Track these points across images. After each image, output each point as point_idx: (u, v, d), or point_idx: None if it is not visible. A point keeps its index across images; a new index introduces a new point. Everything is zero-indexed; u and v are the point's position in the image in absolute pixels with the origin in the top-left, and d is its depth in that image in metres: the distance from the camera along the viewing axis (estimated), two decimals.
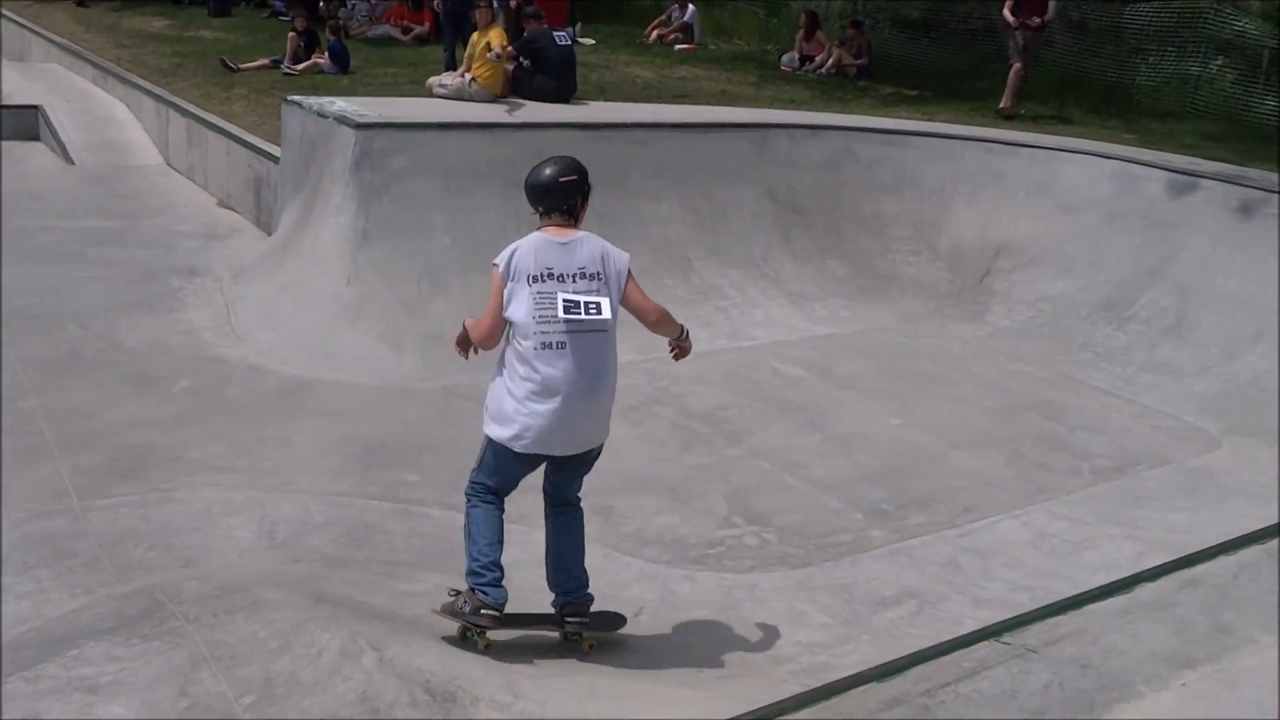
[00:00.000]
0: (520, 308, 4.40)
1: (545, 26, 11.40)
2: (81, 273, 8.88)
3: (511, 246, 4.51)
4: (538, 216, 4.57)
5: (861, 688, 2.88)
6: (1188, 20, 14.41)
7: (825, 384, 7.99)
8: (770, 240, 10.14)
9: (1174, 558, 4.86)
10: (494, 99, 10.56)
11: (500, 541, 4.53)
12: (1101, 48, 14.95)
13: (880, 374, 8.25)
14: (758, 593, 5.28)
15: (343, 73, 13.88)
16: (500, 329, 4.52)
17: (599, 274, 4.42)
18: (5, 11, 20.12)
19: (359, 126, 8.72)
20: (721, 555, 5.63)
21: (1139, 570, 4.69)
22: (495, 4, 13.23)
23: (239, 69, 14.14)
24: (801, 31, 16.77)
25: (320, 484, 5.92)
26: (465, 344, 4.72)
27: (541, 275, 4.39)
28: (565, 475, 4.60)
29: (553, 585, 4.64)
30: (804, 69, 16.23)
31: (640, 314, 4.61)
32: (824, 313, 9.49)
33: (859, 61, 16.09)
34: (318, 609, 4.45)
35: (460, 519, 4.74)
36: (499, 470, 4.57)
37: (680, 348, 4.81)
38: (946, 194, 10.91)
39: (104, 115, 14.02)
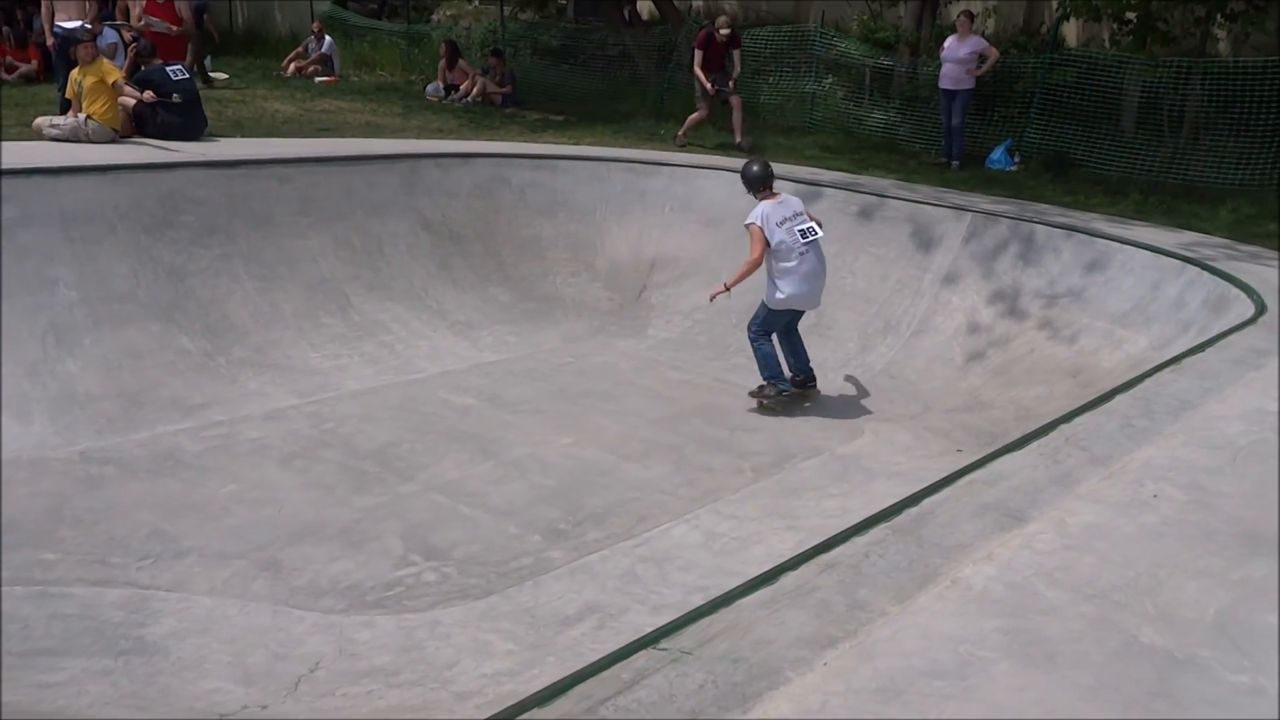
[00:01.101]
0: (780, 239, 7.86)
1: (160, 62, 10.75)
2: None
3: (757, 211, 7.92)
4: (753, 195, 8.11)
5: (526, 714, 2.85)
6: (799, 43, 15.61)
7: (496, 410, 7.98)
8: (430, 271, 10.04)
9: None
10: (114, 138, 9.84)
11: (779, 357, 8.24)
12: None
13: (550, 395, 8.35)
14: (440, 629, 5.17)
15: None
16: (763, 259, 7.90)
17: (801, 213, 8.04)
18: None
19: None
20: (401, 595, 5.47)
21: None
22: (110, 39, 12.41)
23: None
24: (443, 61, 16.80)
25: None
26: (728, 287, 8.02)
27: (782, 221, 7.90)
28: (798, 318, 8.35)
29: (793, 369, 8.33)
30: (450, 98, 16.26)
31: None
32: (490, 339, 9.50)
33: (503, 89, 16.32)
34: None
35: (108, 593, 4.35)
36: (775, 323, 8.20)
37: None
38: (599, 214, 11.24)
39: None
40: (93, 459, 6.65)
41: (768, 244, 7.82)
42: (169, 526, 5.90)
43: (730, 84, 13.38)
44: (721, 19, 13.73)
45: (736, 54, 13.53)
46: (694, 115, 13.62)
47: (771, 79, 15.62)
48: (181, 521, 5.97)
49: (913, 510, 4.19)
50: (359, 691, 4.62)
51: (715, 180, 11.14)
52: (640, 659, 3.08)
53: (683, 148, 13.27)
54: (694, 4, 18.65)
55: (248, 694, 4.55)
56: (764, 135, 14.25)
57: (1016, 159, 12.91)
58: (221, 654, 4.83)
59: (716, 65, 13.30)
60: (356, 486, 6.61)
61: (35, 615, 5.00)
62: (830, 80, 15.24)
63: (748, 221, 7.94)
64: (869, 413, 8.31)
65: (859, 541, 3.88)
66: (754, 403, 8.28)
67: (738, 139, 13.39)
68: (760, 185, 8.06)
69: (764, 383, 8.20)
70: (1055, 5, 13.58)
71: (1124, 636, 3.41)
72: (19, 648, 4.75)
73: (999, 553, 3.88)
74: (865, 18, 15.78)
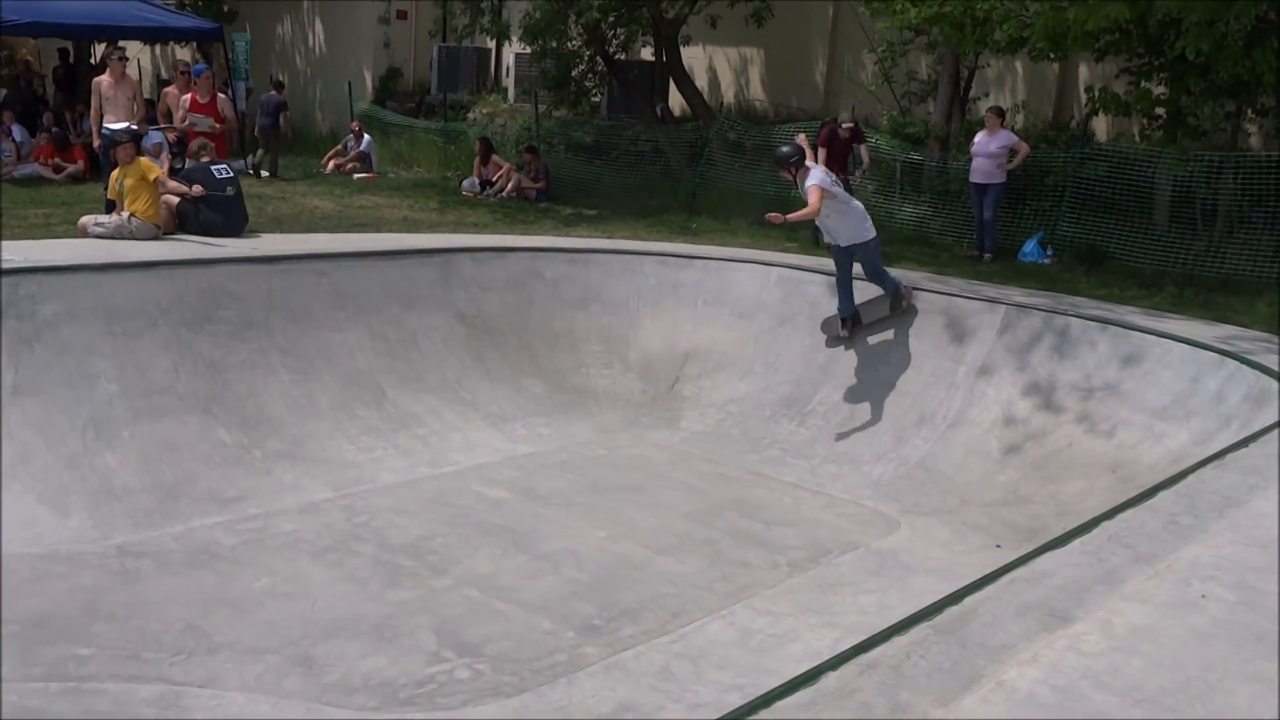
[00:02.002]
0: (838, 192, 9.51)
1: (205, 160, 11.02)
2: None
3: (818, 173, 9.37)
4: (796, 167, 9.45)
5: None
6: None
7: (530, 503, 7.96)
8: (464, 363, 10.11)
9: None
10: (157, 235, 10.06)
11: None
12: (758, 164, 16.12)
13: (583, 488, 8.32)
14: None
15: None
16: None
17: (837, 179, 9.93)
18: None
19: (1, 272, 8.03)
20: (433, 693, 5.41)
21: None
22: (154, 139, 12.75)
23: None
24: (478, 157, 17.12)
25: None
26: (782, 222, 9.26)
27: (834, 179, 9.66)
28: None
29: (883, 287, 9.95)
30: (485, 193, 16.54)
31: None
32: (524, 431, 9.52)
33: (537, 184, 16.59)
34: None
35: (141, 689, 4.32)
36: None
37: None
38: (632, 307, 11.31)
39: None
40: (129, 552, 6.67)
41: (833, 196, 9.29)
42: (202, 622, 5.89)
43: (853, 176, 13.10)
44: (843, 115, 13.64)
45: (863, 149, 13.38)
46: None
47: None
48: (215, 616, 5.96)
49: (954, 609, 4.12)
50: None
51: (748, 273, 11.22)
52: None
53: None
54: (724, 100, 18.98)
55: None
56: (796, 229, 14.34)
57: (1049, 252, 12.92)
58: None
59: (840, 162, 12.98)
60: (390, 581, 6.59)
61: (68, 711, 4.98)
62: (861, 173, 15.37)
63: (810, 183, 9.16)
64: (905, 506, 8.22)
65: (899, 641, 3.80)
66: (789, 496, 8.22)
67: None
68: (795, 160, 9.41)
69: (897, 291, 9.93)
70: (1085, 101, 13.71)
71: None
72: None
73: (1044, 654, 3.80)
74: (895, 113, 15.98)
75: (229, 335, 8.89)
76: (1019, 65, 16.36)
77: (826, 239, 9.95)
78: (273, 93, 18.64)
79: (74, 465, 7.44)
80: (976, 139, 12.89)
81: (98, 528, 6.96)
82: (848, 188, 12.94)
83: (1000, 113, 13.02)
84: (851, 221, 9.56)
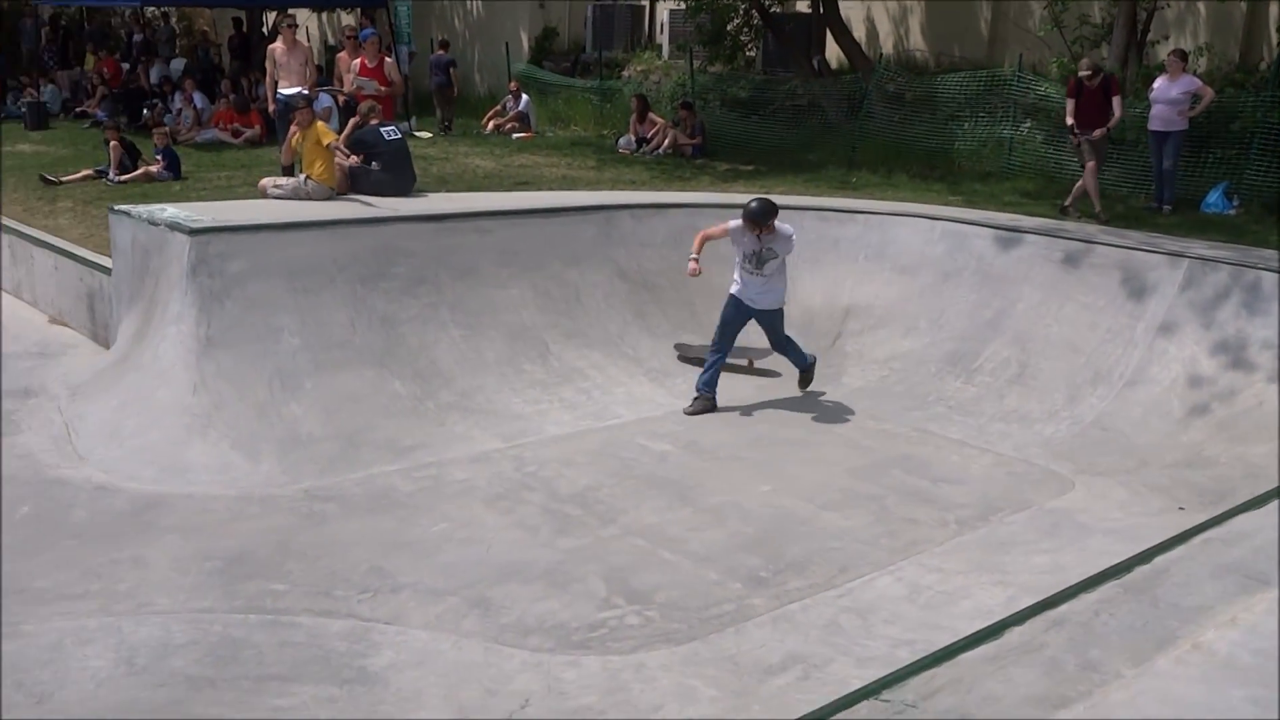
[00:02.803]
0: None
1: (375, 123, 11.34)
2: None
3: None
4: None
5: None
6: (994, 87, 15.30)
7: (693, 456, 8.02)
8: (625, 319, 10.22)
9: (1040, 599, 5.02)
10: (332, 196, 10.43)
11: None
12: (919, 116, 15.73)
13: (746, 443, 8.34)
14: (645, 672, 5.20)
15: (175, 179, 13.52)
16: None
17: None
18: None
19: (193, 232, 8.47)
20: (605, 637, 5.53)
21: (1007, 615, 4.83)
22: (325, 103, 13.18)
23: (60, 181, 13.62)
24: (634, 115, 17.17)
25: (180, 602, 5.61)
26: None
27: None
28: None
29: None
30: (641, 151, 16.59)
31: None
32: (685, 387, 9.56)
33: (693, 141, 16.54)
34: None
35: (332, 624, 4.55)
36: None
37: None
38: (791, 262, 11.19)
39: None
40: (316, 496, 7.01)
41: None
42: (386, 563, 6.15)
43: (1096, 134, 11.71)
44: (1083, 60, 12.41)
45: (1116, 100, 11.79)
46: (1081, 183, 11.99)
47: (966, 124, 15.34)
48: (397, 558, 6.22)
49: (1144, 568, 4.00)
50: None
51: (910, 227, 10.99)
52: (862, 709, 3.02)
53: (1064, 213, 11.83)
54: (883, 52, 18.53)
55: None
56: (959, 181, 14.00)
57: (1235, 202, 12.25)
58: (437, 687, 4.99)
59: (1092, 116, 11.76)
60: (559, 528, 6.75)
61: (267, 642, 5.28)
62: (1029, 124, 14.86)
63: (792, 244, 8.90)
64: (1080, 466, 7.97)
65: (1088, 598, 3.72)
66: (956, 454, 8.08)
67: (1095, 207, 11.76)
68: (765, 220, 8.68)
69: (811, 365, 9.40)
70: (1276, 40, 12.90)
71: None
72: (254, 673, 5.02)
73: (1243, 617, 3.65)
74: (1065, 60, 15.33)
75: (401, 291, 9.18)
76: (1201, 5, 15.50)
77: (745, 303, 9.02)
78: (440, 52, 19.37)
79: (263, 414, 7.83)
80: (1156, 84, 12.28)
81: (286, 473, 7.32)
82: (1110, 140, 12.01)
83: (1183, 56, 12.36)
84: (784, 280, 9.03)
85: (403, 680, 5.02)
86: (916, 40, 18.92)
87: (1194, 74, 12.85)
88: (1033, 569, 6.25)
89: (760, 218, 8.65)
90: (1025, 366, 9.26)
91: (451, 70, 19.29)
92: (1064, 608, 3.69)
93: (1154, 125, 12.22)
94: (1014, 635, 3.53)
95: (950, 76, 16.00)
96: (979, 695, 3.16)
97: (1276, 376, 8.11)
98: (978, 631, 3.58)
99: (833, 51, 18.72)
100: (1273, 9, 14.73)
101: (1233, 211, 12.12)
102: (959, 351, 9.70)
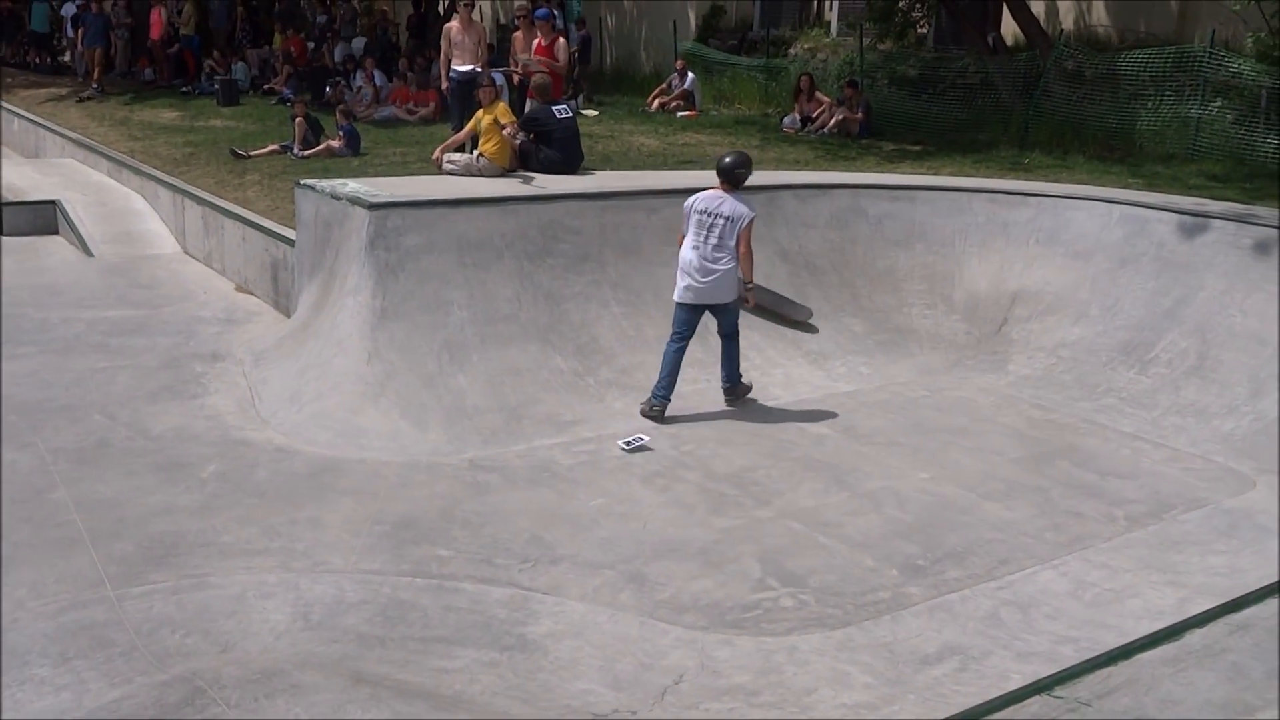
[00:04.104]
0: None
1: (546, 101, 11.55)
2: (105, 362, 8.93)
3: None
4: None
5: None
6: (1183, 64, 14.54)
7: (850, 441, 7.96)
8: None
9: (1220, 602, 4.81)
10: (503, 173, 10.69)
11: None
12: (1099, 95, 15.08)
13: (905, 429, 8.23)
14: (798, 655, 5.22)
15: (354, 155, 14.07)
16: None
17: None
18: (18, 109, 20.48)
19: (372, 207, 8.82)
20: (759, 618, 5.57)
21: (1185, 617, 4.65)
22: (497, 81, 13.47)
23: (250, 156, 14.35)
24: (801, 93, 17.00)
25: (352, 563, 5.90)
26: None
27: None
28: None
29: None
30: (806, 130, 16.43)
31: None
32: (843, 370, 9.49)
33: (860, 119, 16.28)
34: (358, 690, 4.42)
35: (494, 591, 4.76)
36: None
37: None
38: (957, 246, 10.96)
39: (120, 206, 14.19)
40: (479, 466, 7.24)
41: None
42: (545, 534, 6.33)
43: None
44: None
45: None
46: None
47: (1150, 103, 14.65)
48: (556, 530, 6.38)
49: None
50: (721, 708, 4.75)
51: (1087, 211, 10.59)
52: (1034, 704, 2.99)
53: None
54: (1063, 28, 17.82)
55: (618, 699, 4.79)
56: (1140, 164, 13.41)
57: None
58: (593, 658, 5.11)
59: None
60: (715, 508, 6.80)
61: (433, 606, 5.51)
62: (1219, 103, 14.08)
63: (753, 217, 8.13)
64: (1262, 464, 7.58)
65: (1274, 603, 3.56)
66: (1127, 447, 7.79)
67: None
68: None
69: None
70: None
71: None
72: (420, 634, 5.25)
73: None
74: (1263, 34, 14.45)
75: (565, 268, 9.37)
76: None
77: (690, 297, 8.17)
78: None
79: (431, 385, 8.13)
80: None
81: (452, 442, 7.58)
82: None
83: None
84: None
85: (561, 649, 5.16)
86: (1100, 16, 18.12)
87: None
88: (1208, 570, 5.98)
89: (721, 174, 8.31)
90: (1205, 358, 8.84)
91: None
92: (1248, 611, 3.57)
93: None
94: (1195, 638, 3.44)
95: (1135, 53, 15.26)
96: (1157, 697, 3.09)
97: None
98: (1156, 632, 3.49)
99: (1009, 28, 18.09)
100: None
101: None
102: (1133, 341, 9.32)
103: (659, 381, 8.19)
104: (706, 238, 8.07)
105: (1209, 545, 6.36)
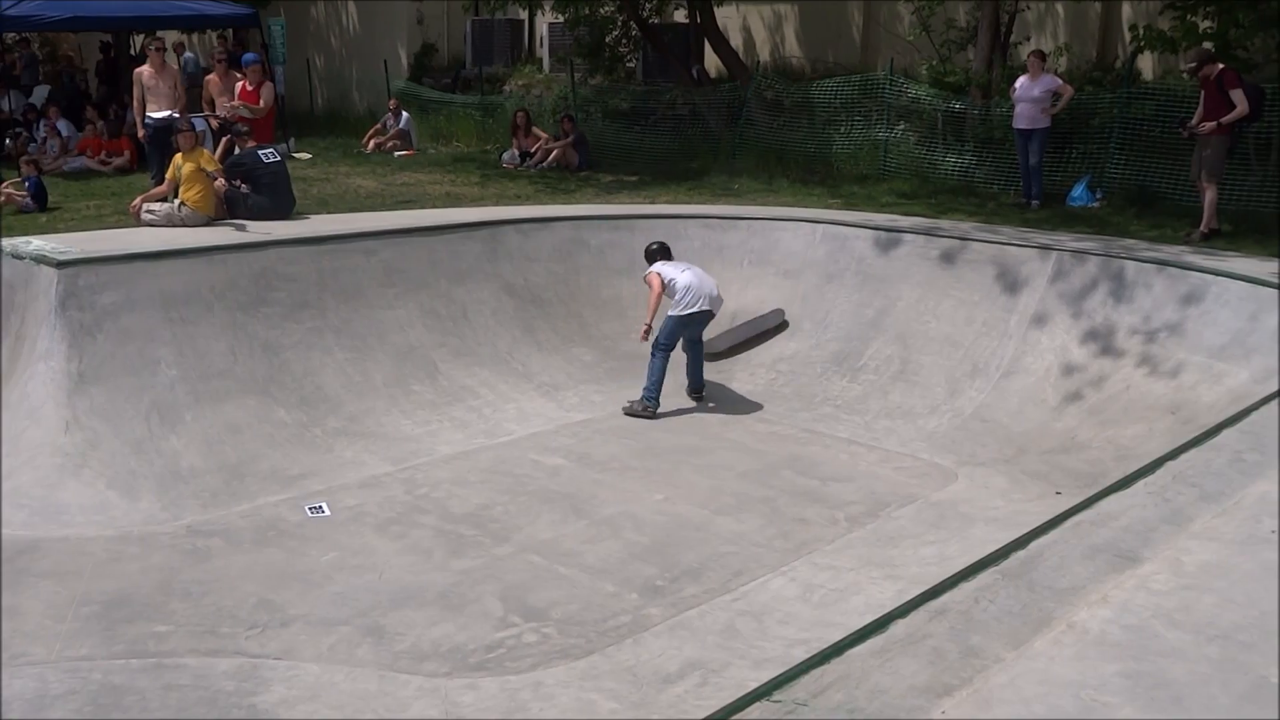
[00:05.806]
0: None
1: (252, 145, 11.12)
2: None
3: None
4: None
5: None
6: (869, 91, 15.64)
7: (586, 469, 8.02)
8: (514, 334, 10.18)
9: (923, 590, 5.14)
10: (208, 222, 10.18)
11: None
12: (798, 122, 16.01)
13: (638, 452, 8.37)
14: (543, 690, 5.18)
15: (41, 210, 13.03)
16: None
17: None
18: None
19: (60, 265, 8.18)
20: (503, 657, 5.49)
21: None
22: (198, 127, 12.85)
23: None
24: (519, 130, 17.14)
25: (56, 651, 5.39)
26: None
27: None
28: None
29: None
30: (525, 165, 16.56)
31: None
32: (576, 399, 9.57)
33: (576, 152, 16.56)
34: None
35: (219, 663, 4.42)
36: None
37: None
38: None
39: None
40: (199, 532, 6.82)
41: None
42: (274, 596, 6.01)
43: (1205, 127, 10.69)
44: (1189, 52, 11.31)
45: (1236, 94, 10.58)
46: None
47: (843, 128, 15.66)
48: (286, 590, 6.08)
49: (1020, 554, 4.12)
50: None
51: (792, 232, 11.17)
52: (755, 711, 3.05)
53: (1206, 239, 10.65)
54: (760, 59, 18.80)
55: None
56: (838, 185, 14.28)
57: (1098, 195, 12.74)
58: None
59: (1210, 112, 10.80)
60: (453, 550, 6.68)
61: (151, 687, 5.11)
62: (902, 127, 15.23)
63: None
64: (962, 458, 8.19)
65: (967, 587, 3.82)
66: (844, 452, 8.22)
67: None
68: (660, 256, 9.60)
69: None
70: (1129, 39, 13.45)
71: (1252, 678, 3.30)
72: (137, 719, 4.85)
73: (1114, 595, 3.79)
74: (934, 63, 15.76)
75: (283, 317, 9.00)
76: (1059, 7, 16.09)
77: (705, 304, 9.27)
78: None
79: (140, 450, 7.59)
80: (1019, 84, 12.71)
81: (167, 509, 7.11)
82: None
83: (1043, 56, 12.83)
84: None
85: (294, 715, 4.90)
86: (792, 47, 19.26)
87: (1054, 73, 13.34)
88: (920, 561, 6.40)
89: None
90: (907, 363, 9.48)
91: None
92: (945, 597, 3.79)
93: (1019, 123, 12.65)
94: (899, 627, 3.61)
95: (826, 82, 16.30)
96: (867, 689, 3.22)
97: (1142, 361, 8.44)
98: (864, 626, 3.65)
99: (711, 61, 18.94)
100: (1125, 9, 15.36)
101: (1096, 204, 12.59)
102: (843, 351, 9.89)
103: (649, 388, 9.09)
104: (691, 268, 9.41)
105: (921, 537, 6.80)
